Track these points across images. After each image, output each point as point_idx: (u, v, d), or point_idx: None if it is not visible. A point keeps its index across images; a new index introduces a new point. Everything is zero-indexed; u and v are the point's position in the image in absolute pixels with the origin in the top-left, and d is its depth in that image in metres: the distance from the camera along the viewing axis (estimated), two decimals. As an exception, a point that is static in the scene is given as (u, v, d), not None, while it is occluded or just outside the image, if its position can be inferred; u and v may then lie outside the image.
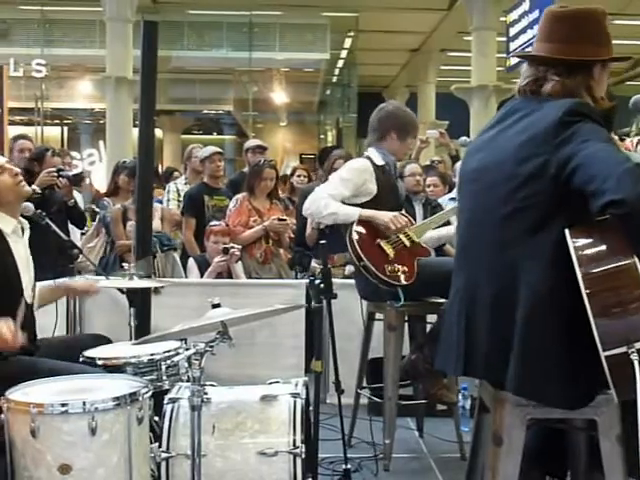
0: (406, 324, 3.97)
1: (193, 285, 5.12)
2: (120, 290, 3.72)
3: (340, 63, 20.90)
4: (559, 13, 2.32)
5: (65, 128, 21.64)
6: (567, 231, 2.07)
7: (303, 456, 2.68)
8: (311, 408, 2.96)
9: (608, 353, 1.95)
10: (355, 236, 3.72)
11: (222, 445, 2.69)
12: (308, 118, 23.26)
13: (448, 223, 4.18)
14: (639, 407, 1.90)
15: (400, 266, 3.74)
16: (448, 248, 4.82)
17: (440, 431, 4.30)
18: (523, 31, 11.10)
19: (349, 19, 17.62)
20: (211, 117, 23.24)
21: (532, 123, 2.21)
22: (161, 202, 6.29)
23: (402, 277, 3.71)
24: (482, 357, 2.24)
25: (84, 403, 2.37)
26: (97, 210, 6.05)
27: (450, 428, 4.08)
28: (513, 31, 11.58)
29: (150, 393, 2.60)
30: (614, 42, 2.29)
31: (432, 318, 3.99)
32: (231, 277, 5.23)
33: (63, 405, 2.36)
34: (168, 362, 3.08)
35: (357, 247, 3.71)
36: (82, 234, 6.20)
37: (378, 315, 4.04)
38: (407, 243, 3.84)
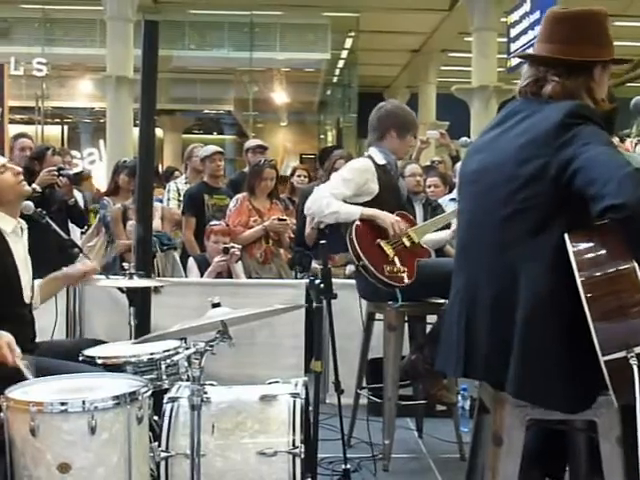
0: (406, 324, 3.97)
1: (193, 285, 5.12)
2: (120, 289, 3.72)
3: (341, 63, 20.91)
4: (560, 14, 2.32)
5: (65, 127, 21.65)
6: (567, 235, 2.06)
7: (302, 456, 2.67)
8: (311, 408, 2.96)
9: (607, 358, 1.95)
10: (355, 235, 3.72)
11: (222, 445, 2.69)
12: (308, 118, 23.26)
13: (448, 226, 4.18)
14: (638, 411, 1.90)
15: (399, 267, 3.74)
16: (448, 249, 4.82)
17: (440, 431, 4.30)
18: (524, 32, 11.10)
19: (350, 19, 17.63)
20: (212, 117, 23.25)
21: (533, 125, 2.21)
22: (161, 201, 6.29)
23: (401, 278, 3.71)
24: (482, 358, 2.24)
25: (84, 402, 2.37)
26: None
27: (450, 428, 4.08)
28: (514, 32, 11.59)
29: (150, 392, 2.59)
30: (615, 43, 2.29)
31: (432, 318, 3.99)
32: (231, 277, 5.23)
33: (63, 404, 2.36)
34: (168, 361, 3.07)
35: (357, 246, 3.71)
36: (82, 233, 6.20)
37: (378, 315, 4.03)
38: (407, 244, 3.84)
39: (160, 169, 9.60)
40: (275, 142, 20.24)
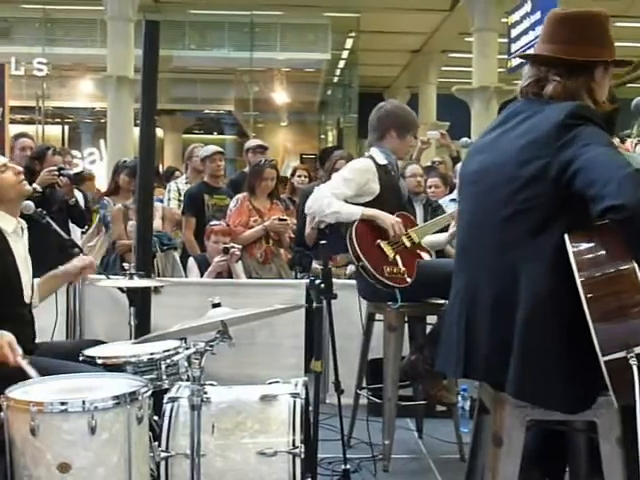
0: (406, 325, 3.97)
1: (193, 285, 5.12)
2: (120, 289, 3.72)
3: (341, 63, 20.92)
4: (562, 15, 2.32)
5: (66, 127, 21.66)
6: (566, 236, 2.06)
7: (302, 456, 2.67)
8: (311, 408, 2.96)
9: (607, 358, 1.95)
10: (355, 236, 3.72)
11: (222, 445, 2.69)
12: (309, 118, 23.27)
13: (447, 228, 4.18)
14: (638, 411, 1.90)
15: (399, 267, 3.74)
16: (448, 249, 4.82)
17: (439, 432, 4.30)
18: (525, 32, 11.09)
19: (350, 19, 17.64)
20: (212, 117, 23.26)
21: (534, 125, 2.21)
22: (162, 201, 6.29)
23: (400, 278, 3.71)
24: (482, 359, 2.24)
25: (84, 402, 2.37)
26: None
27: (449, 429, 4.08)
28: (514, 32, 11.58)
29: (150, 392, 2.59)
30: (616, 44, 2.30)
31: (432, 319, 3.99)
32: (231, 277, 5.23)
33: (63, 404, 2.36)
34: (168, 361, 3.07)
35: (356, 247, 3.71)
36: (82, 233, 6.20)
37: (378, 316, 4.03)
38: (407, 244, 3.84)
39: (160, 169, 9.59)
40: (275, 142, 20.26)
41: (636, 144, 3.73)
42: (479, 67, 14.95)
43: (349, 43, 19.52)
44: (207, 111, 22.74)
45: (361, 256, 3.69)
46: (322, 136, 23.63)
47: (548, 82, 2.27)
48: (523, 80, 2.35)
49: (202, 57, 18.51)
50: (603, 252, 2.04)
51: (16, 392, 2.45)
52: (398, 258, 3.77)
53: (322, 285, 3.12)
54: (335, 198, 3.81)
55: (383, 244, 3.77)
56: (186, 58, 17.89)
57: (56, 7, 16.97)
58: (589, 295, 1.97)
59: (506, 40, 12.09)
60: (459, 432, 4.03)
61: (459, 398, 4.36)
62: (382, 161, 3.97)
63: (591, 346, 1.95)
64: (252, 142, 7.01)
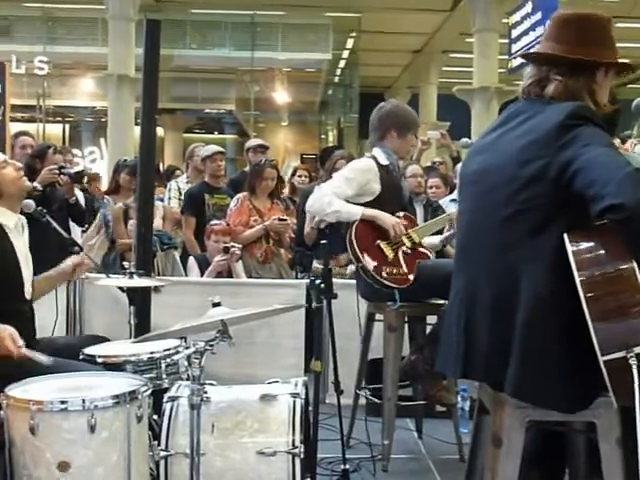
0: (406, 325, 3.97)
1: (193, 284, 5.12)
2: (120, 288, 3.72)
3: (342, 63, 20.94)
4: (567, 16, 2.33)
5: (67, 126, 21.67)
6: (566, 235, 2.07)
7: (302, 456, 2.68)
8: (310, 408, 2.96)
9: (607, 358, 1.94)
10: (355, 236, 3.72)
11: (221, 444, 2.69)
12: (309, 118, 23.29)
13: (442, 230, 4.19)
14: (638, 411, 1.90)
15: (399, 268, 3.74)
16: (449, 249, 4.82)
17: (439, 432, 4.30)
18: (525, 33, 11.09)
19: (351, 19, 17.65)
20: (213, 116, 23.27)
21: (534, 126, 2.21)
22: (162, 200, 6.29)
23: (400, 279, 3.71)
24: (482, 359, 2.24)
25: (84, 401, 2.37)
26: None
27: (449, 429, 4.08)
28: (515, 33, 11.58)
29: (149, 391, 2.60)
30: (618, 45, 2.30)
31: (432, 319, 3.99)
32: (231, 276, 5.23)
33: (63, 402, 2.36)
34: (168, 360, 3.07)
35: (356, 247, 3.71)
36: (83, 232, 6.19)
37: (378, 316, 4.03)
38: (408, 244, 3.84)
39: (161, 168, 9.58)
40: (276, 142, 20.27)
41: (635, 144, 3.73)
42: (480, 67, 14.96)
43: (350, 43, 19.53)
44: (208, 110, 22.75)
45: (360, 257, 3.69)
46: (323, 136, 23.65)
47: (550, 82, 2.27)
48: (525, 80, 2.36)
49: (203, 56, 18.52)
50: (603, 252, 2.04)
51: (16, 390, 2.45)
52: (398, 258, 3.77)
53: (322, 285, 3.12)
54: (336, 197, 3.82)
55: (383, 244, 3.77)
56: (187, 57, 17.90)
57: (57, 6, 16.99)
58: (589, 295, 1.97)
59: (507, 40, 12.09)
60: (459, 432, 4.03)
61: (459, 398, 4.36)
62: (384, 161, 3.97)
63: (591, 346, 1.95)
64: (253, 142, 7.01)
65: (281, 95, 20.47)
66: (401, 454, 4.05)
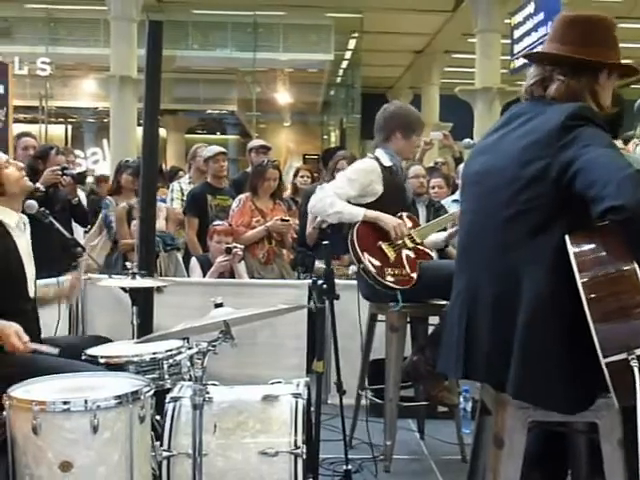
0: (408, 325, 3.97)
1: (196, 284, 5.12)
2: (123, 289, 3.73)
3: (344, 64, 20.94)
4: (572, 17, 2.34)
5: (69, 126, 21.68)
6: (567, 237, 2.07)
7: (304, 456, 2.68)
8: (312, 409, 2.96)
9: (608, 359, 1.95)
10: (356, 237, 3.73)
11: (223, 444, 2.69)
12: (312, 119, 23.30)
13: (446, 228, 4.18)
14: (639, 413, 1.90)
15: (400, 269, 3.74)
16: (450, 250, 4.82)
17: (441, 433, 4.30)
18: (528, 33, 11.10)
19: (353, 20, 17.65)
20: (215, 117, 23.27)
21: (536, 127, 2.21)
22: (164, 201, 6.29)
23: (401, 280, 3.71)
24: (483, 359, 2.24)
25: (86, 401, 2.37)
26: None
27: (451, 430, 4.08)
28: (518, 33, 11.58)
29: (152, 392, 2.60)
30: (620, 45, 2.30)
31: (434, 320, 3.99)
32: (234, 277, 5.23)
33: (65, 403, 2.37)
34: (170, 361, 3.08)
35: (357, 249, 3.71)
36: (85, 232, 6.20)
37: (380, 316, 4.03)
38: (410, 245, 3.84)
39: (164, 169, 9.59)
40: (278, 142, 20.27)
41: (637, 145, 3.73)
42: (482, 68, 14.95)
43: (352, 44, 19.53)
44: (210, 111, 22.76)
45: (362, 258, 3.70)
46: (325, 136, 23.66)
47: (552, 82, 2.28)
48: (528, 79, 2.36)
49: (205, 57, 18.54)
50: (604, 253, 2.04)
51: (18, 391, 2.46)
52: (400, 259, 3.77)
53: (324, 285, 3.12)
54: (338, 198, 3.82)
55: (384, 245, 3.77)
56: (189, 58, 17.91)
57: (59, 7, 17.00)
58: (590, 296, 1.97)
59: (509, 41, 12.09)
60: (461, 433, 4.03)
61: (461, 399, 4.36)
62: (387, 162, 3.97)
63: (591, 347, 1.95)
64: (255, 142, 7.01)
65: (283, 96, 20.48)
66: (403, 455, 4.05)
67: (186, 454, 2.62)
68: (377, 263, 3.71)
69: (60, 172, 5.29)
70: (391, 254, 3.76)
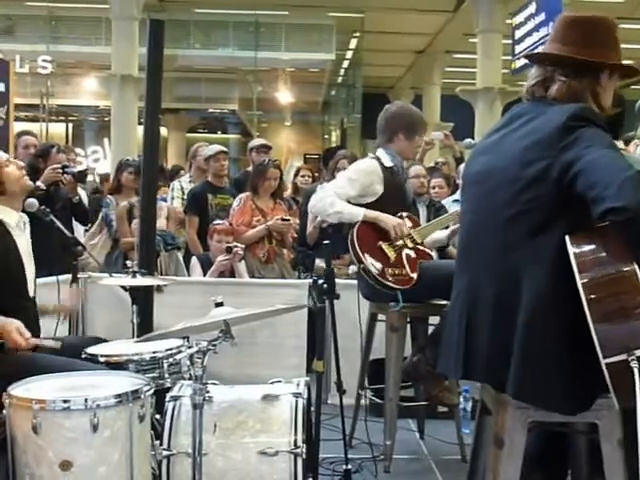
0: (408, 325, 3.97)
1: (196, 284, 5.12)
2: (123, 288, 3.73)
3: (345, 64, 20.95)
4: (572, 18, 2.34)
5: (70, 125, 21.69)
6: (567, 237, 2.07)
7: (304, 456, 2.67)
8: (312, 408, 2.96)
9: (608, 360, 1.94)
10: (356, 238, 3.72)
11: (223, 444, 2.69)
12: (313, 118, 23.31)
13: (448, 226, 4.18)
14: (639, 414, 1.90)
15: (401, 269, 3.74)
16: (451, 250, 4.82)
17: (441, 433, 4.30)
18: (529, 34, 11.10)
19: (355, 20, 17.65)
20: (216, 116, 23.28)
21: (537, 127, 2.21)
22: (165, 200, 6.29)
23: (402, 280, 3.71)
24: (483, 359, 2.24)
25: (86, 400, 2.37)
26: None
27: (451, 430, 4.08)
28: (519, 33, 11.59)
29: (152, 391, 2.60)
30: (621, 46, 2.30)
31: (434, 320, 3.99)
32: (234, 276, 5.23)
33: (65, 401, 2.37)
34: (170, 360, 3.08)
35: (357, 249, 3.71)
36: (86, 231, 6.20)
37: (380, 316, 4.03)
38: (410, 245, 3.84)
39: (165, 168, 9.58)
40: (279, 142, 20.27)
41: (638, 145, 3.72)
42: (483, 68, 14.95)
43: (353, 43, 19.54)
44: (211, 110, 22.76)
45: (362, 258, 3.69)
46: (326, 136, 23.66)
47: (553, 82, 2.28)
48: (529, 80, 2.36)
49: (206, 56, 18.54)
50: (604, 254, 2.04)
51: (18, 390, 2.46)
52: (400, 259, 3.77)
53: (325, 285, 3.12)
54: (338, 198, 3.82)
55: (384, 246, 3.77)
56: (190, 57, 17.92)
57: (61, 5, 17.02)
58: (590, 296, 1.97)
59: (510, 41, 12.09)
60: (460, 433, 4.03)
61: (461, 399, 4.36)
62: (388, 163, 3.97)
63: (591, 347, 1.95)
64: (256, 141, 7.01)
65: (284, 95, 20.49)
66: (403, 454, 4.04)
67: (186, 453, 2.62)
68: (377, 263, 3.70)
69: (61, 170, 5.29)
70: (391, 254, 3.76)
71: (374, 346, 4.14)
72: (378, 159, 3.98)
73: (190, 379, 2.84)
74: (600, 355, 1.94)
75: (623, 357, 1.94)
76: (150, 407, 2.62)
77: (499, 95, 14.67)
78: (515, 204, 2.19)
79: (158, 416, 2.87)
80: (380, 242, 3.77)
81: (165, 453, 2.66)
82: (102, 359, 3.04)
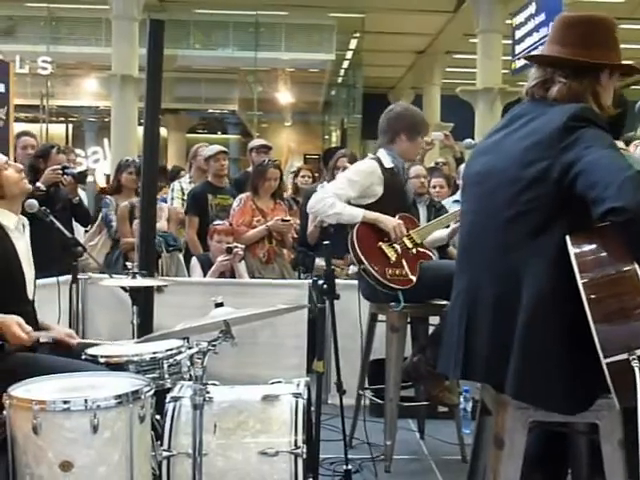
0: (409, 326, 3.97)
1: (196, 284, 5.13)
2: (123, 288, 3.72)
3: (346, 64, 20.94)
4: (571, 18, 2.34)
5: (70, 125, 21.67)
6: (568, 237, 2.07)
7: (304, 456, 2.67)
8: (313, 408, 2.96)
9: (609, 360, 1.94)
10: (356, 239, 3.72)
11: (223, 444, 2.69)
12: (313, 118, 23.30)
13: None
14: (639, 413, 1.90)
15: (401, 269, 3.74)
16: (451, 250, 4.82)
17: (441, 433, 4.30)
18: (529, 34, 11.10)
19: (355, 20, 17.65)
20: (216, 116, 23.27)
21: (537, 127, 2.21)
22: (165, 201, 6.29)
23: (402, 280, 3.71)
24: (482, 360, 2.24)
25: (86, 401, 2.37)
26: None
27: (451, 430, 4.08)
28: (519, 34, 11.59)
29: (152, 391, 2.59)
30: (621, 46, 2.30)
31: (435, 320, 3.99)
32: (234, 276, 5.23)
33: (65, 402, 2.36)
34: (170, 361, 3.07)
35: (357, 250, 3.71)
36: (86, 232, 6.20)
37: (381, 316, 4.03)
38: (409, 245, 3.84)
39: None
40: (279, 142, 20.23)
41: (638, 146, 3.73)
42: (483, 68, 14.95)
43: (353, 44, 19.53)
44: (211, 110, 22.75)
45: (362, 259, 3.70)
46: (326, 136, 23.66)
47: (553, 84, 2.27)
48: (529, 81, 2.36)
49: (206, 56, 18.54)
50: (604, 254, 2.04)
51: (18, 390, 2.46)
52: (400, 260, 3.77)
53: (325, 285, 3.12)
54: (338, 199, 3.82)
55: (384, 246, 3.77)
56: (190, 57, 17.91)
57: (61, 5, 17.00)
58: (591, 296, 1.97)
59: (510, 41, 12.09)
60: (461, 433, 4.03)
61: (461, 399, 4.36)
62: (389, 164, 3.97)
63: (591, 347, 1.95)
64: (256, 142, 7.01)
65: (284, 95, 20.48)
66: (403, 455, 4.04)
67: (186, 454, 2.62)
68: (377, 264, 3.71)
69: (61, 171, 5.29)
70: (391, 255, 3.76)
71: (374, 346, 4.14)
72: (378, 160, 3.98)
73: (190, 380, 2.84)
74: (601, 355, 1.94)
75: (624, 356, 1.94)
76: (150, 408, 2.62)
77: (499, 95, 14.67)
78: (515, 204, 2.19)
79: (158, 417, 2.87)
80: (380, 243, 3.78)
81: (165, 454, 2.66)
82: (102, 360, 3.03)
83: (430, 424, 4.38)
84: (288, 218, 5.59)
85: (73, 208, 5.56)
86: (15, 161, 4.24)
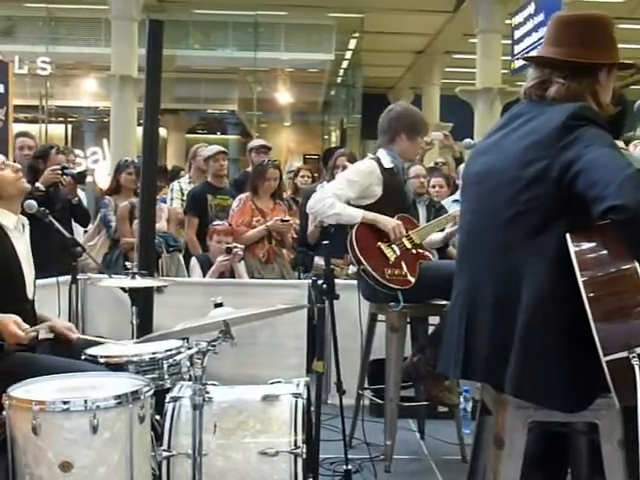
0: (408, 326, 3.97)
1: (195, 284, 5.12)
2: (122, 289, 3.72)
3: (345, 64, 20.93)
4: (567, 18, 2.33)
5: (69, 126, 21.65)
6: (568, 236, 2.07)
7: (304, 456, 2.67)
8: (312, 408, 2.96)
9: (609, 358, 1.94)
10: (355, 239, 3.72)
11: (223, 444, 2.69)
12: (312, 118, 23.29)
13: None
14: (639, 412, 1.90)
15: (400, 269, 3.74)
16: (451, 250, 4.82)
17: (441, 433, 4.30)
18: (528, 34, 11.10)
19: (355, 20, 17.64)
20: (215, 117, 23.25)
21: (536, 127, 2.21)
22: (164, 201, 6.29)
23: (402, 281, 3.70)
24: (482, 360, 2.24)
25: (86, 401, 2.37)
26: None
27: (451, 430, 4.08)
28: (518, 34, 11.58)
29: (152, 392, 2.59)
30: (620, 46, 2.30)
31: (434, 320, 3.99)
32: (234, 277, 5.23)
33: (65, 403, 2.36)
34: (170, 361, 3.07)
35: (357, 250, 3.71)
36: (85, 232, 6.20)
37: (380, 316, 4.03)
38: (409, 246, 3.84)
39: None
40: (279, 142, 20.24)
41: (637, 145, 3.73)
42: (483, 68, 14.95)
43: (353, 44, 19.52)
44: (210, 111, 22.73)
45: (362, 259, 3.69)
46: (325, 136, 23.65)
47: (552, 84, 2.27)
48: (527, 82, 2.36)
49: (206, 57, 18.53)
50: (605, 252, 2.04)
51: (18, 391, 2.46)
52: (399, 260, 3.77)
53: (324, 285, 3.12)
54: (337, 199, 3.81)
55: (384, 246, 3.77)
56: (190, 58, 17.91)
57: (60, 6, 16.99)
58: (591, 295, 1.97)
59: (510, 41, 12.08)
60: (461, 433, 4.03)
61: (461, 399, 4.36)
62: (388, 164, 3.96)
63: (591, 346, 1.95)
64: (255, 142, 7.01)
65: (284, 95, 20.47)
66: (403, 455, 4.04)
67: (186, 454, 2.62)
68: (377, 264, 3.71)
69: (60, 172, 5.28)
70: (391, 255, 3.76)
71: (374, 346, 4.14)
72: (378, 160, 3.98)
73: (190, 380, 2.84)
74: (601, 353, 1.94)
75: (624, 354, 1.94)
76: (150, 408, 2.62)
77: (498, 95, 14.67)
78: (514, 204, 2.19)
79: (158, 417, 2.87)
80: (379, 243, 3.77)
81: (165, 454, 2.66)
82: (102, 360, 3.03)
83: (430, 424, 4.38)
84: (288, 218, 5.59)
85: (72, 208, 5.56)
86: (14, 162, 4.24)
